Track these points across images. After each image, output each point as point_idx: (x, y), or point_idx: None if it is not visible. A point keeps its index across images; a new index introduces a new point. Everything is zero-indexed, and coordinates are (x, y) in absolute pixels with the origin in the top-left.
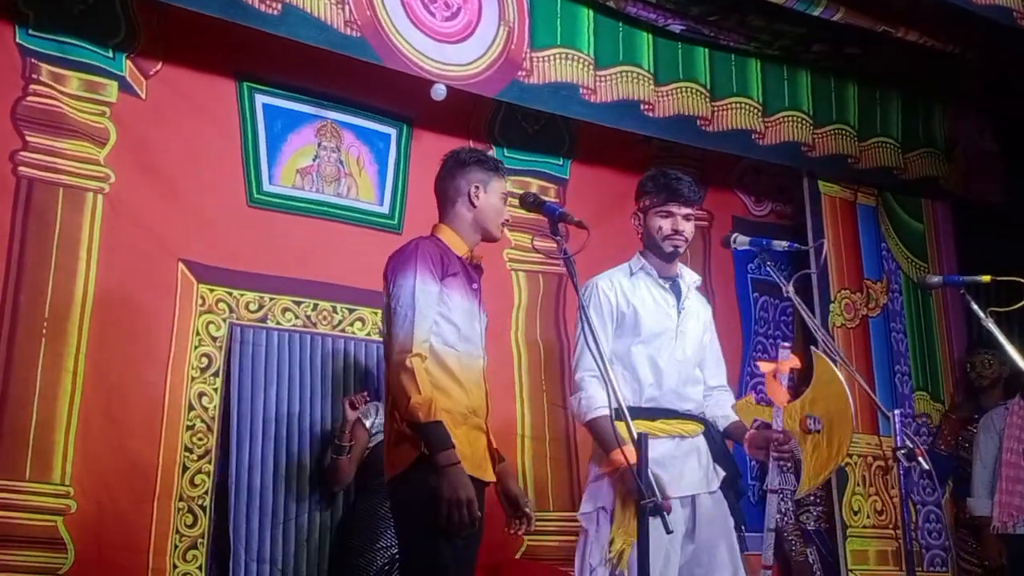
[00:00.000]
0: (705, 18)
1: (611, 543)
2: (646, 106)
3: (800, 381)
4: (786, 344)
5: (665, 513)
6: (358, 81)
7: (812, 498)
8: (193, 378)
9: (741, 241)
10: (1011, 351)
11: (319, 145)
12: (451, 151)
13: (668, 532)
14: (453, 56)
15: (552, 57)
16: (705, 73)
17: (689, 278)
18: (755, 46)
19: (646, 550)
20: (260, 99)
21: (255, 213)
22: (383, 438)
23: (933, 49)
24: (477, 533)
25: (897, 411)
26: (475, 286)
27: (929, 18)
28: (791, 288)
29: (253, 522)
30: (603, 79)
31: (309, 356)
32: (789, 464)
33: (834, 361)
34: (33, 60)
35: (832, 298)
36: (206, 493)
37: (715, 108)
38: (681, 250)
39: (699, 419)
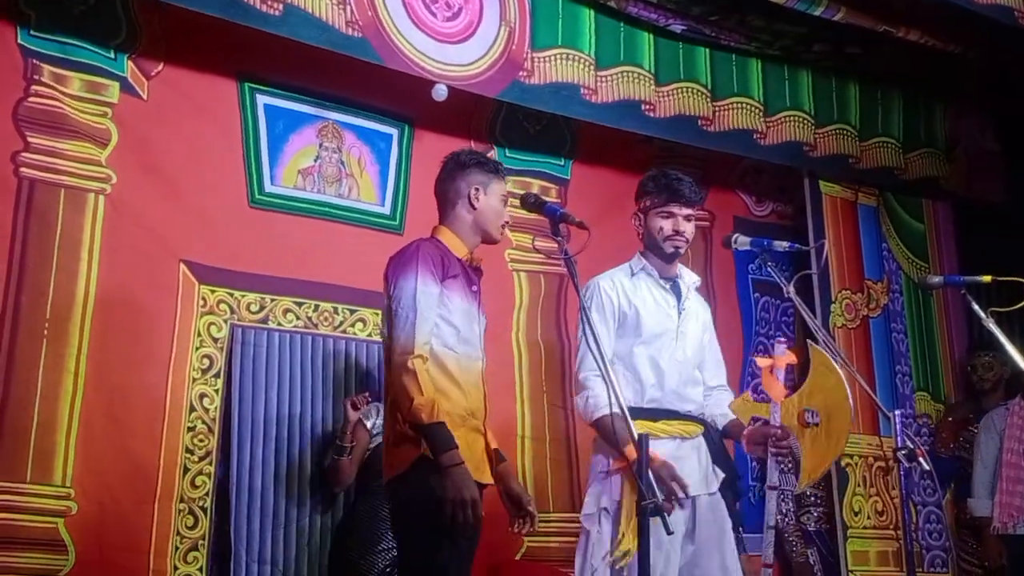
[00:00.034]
0: (706, 18)
1: (619, 540)
2: (647, 106)
3: (799, 379)
4: (782, 340)
5: (666, 514)
6: (359, 81)
7: (813, 499)
8: (194, 379)
9: (742, 241)
10: (1012, 351)
11: (320, 146)
12: (451, 153)
13: (669, 533)
14: (454, 56)
15: (553, 57)
16: (706, 73)
17: (689, 279)
18: (756, 46)
19: (647, 551)
20: (261, 99)
21: (256, 214)
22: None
23: (934, 49)
24: (475, 534)
25: (898, 411)
26: (475, 288)
27: (930, 18)
28: (792, 288)
29: (254, 523)
30: (604, 79)
31: (310, 357)
32: (788, 460)
33: (835, 360)
34: (35, 61)
35: (833, 298)
36: (207, 494)
37: (716, 108)
38: (682, 251)
39: (699, 420)
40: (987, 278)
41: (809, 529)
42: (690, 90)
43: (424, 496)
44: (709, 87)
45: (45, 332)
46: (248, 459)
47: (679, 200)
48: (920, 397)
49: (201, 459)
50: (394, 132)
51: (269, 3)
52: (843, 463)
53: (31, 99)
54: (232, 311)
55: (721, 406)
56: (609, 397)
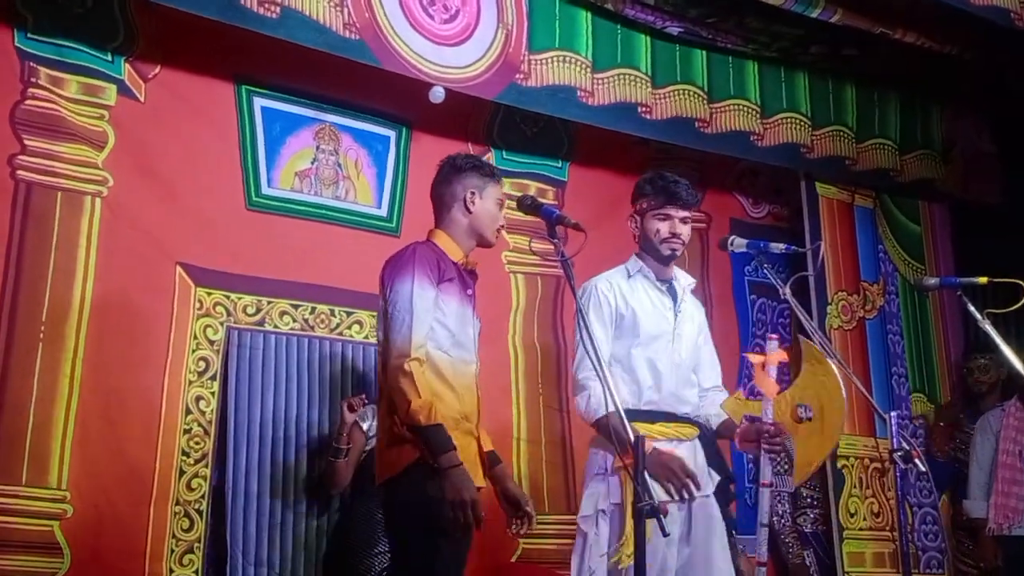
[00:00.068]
0: (703, 20)
1: (623, 542)
2: (644, 108)
3: (793, 378)
4: (774, 336)
5: (662, 515)
6: (357, 84)
7: (809, 500)
8: (190, 382)
9: (738, 243)
10: (1008, 353)
11: (317, 148)
12: (447, 157)
13: (665, 535)
14: (452, 59)
15: (550, 60)
16: (703, 75)
17: (684, 280)
18: (753, 48)
19: (642, 552)
20: (258, 102)
21: (253, 216)
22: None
23: (931, 50)
24: (470, 536)
25: (894, 413)
26: (469, 292)
27: (927, 19)
28: (788, 290)
29: (250, 526)
30: (601, 81)
31: (307, 359)
32: (782, 456)
33: (830, 361)
34: (31, 64)
35: (829, 300)
36: (203, 497)
37: (713, 110)
38: (678, 253)
39: (695, 422)
40: (983, 280)
41: (805, 530)
42: (687, 92)
43: (419, 499)
44: (706, 89)
45: (41, 335)
46: (244, 462)
47: (676, 202)
48: (916, 399)
49: (197, 462)
50: (391, 134)
51: (266, 5)
52: (839, 464)
53: (28, 102)
54: (228, 313)
55: (715, 406)
56: (605, 398)
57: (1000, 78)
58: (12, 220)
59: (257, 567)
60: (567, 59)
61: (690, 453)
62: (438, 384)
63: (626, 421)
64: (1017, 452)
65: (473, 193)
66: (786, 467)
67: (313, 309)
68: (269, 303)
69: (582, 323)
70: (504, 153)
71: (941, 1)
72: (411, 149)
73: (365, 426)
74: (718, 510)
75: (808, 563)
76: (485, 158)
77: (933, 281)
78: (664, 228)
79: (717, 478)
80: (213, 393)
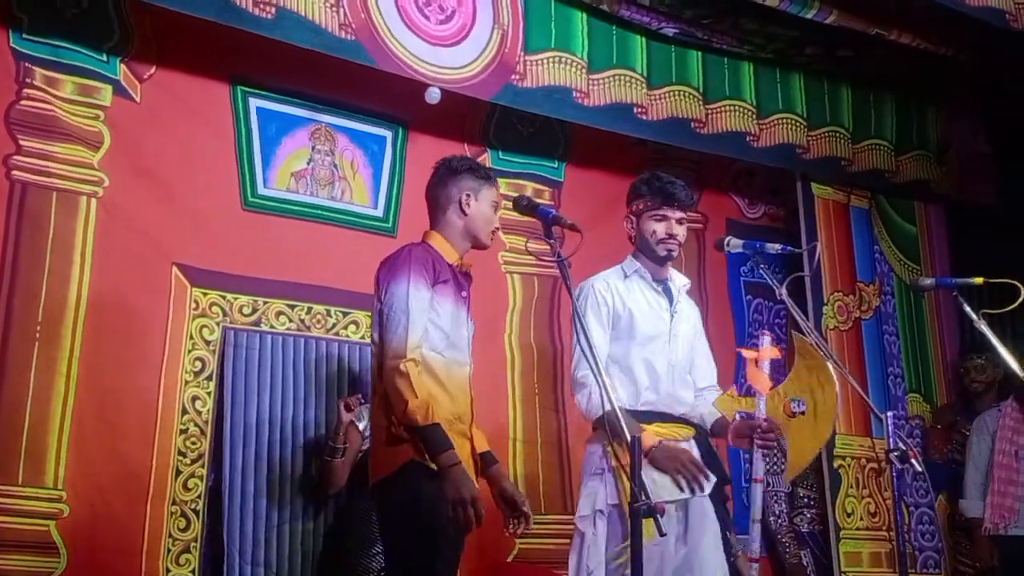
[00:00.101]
0: (698, 21)
1: (627, 540)
2: (640, 109)
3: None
4: (767, 332)
5: (659, 515)
6: (353, 84)
7: (806, 500)
8: (186, 382)
9: (734, 244)
10: (1004, 353)
11: (313, 148)
12: (443, 159)
13: (662, 534)
14: (447, 59)
15: (545, 61)
16: (698, 76)
17: (679, 281)
18: (748, 49)
19: (639, 552)
20: (254, 102)
21: (249, 216)
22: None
23: (926, 51)
24: (462, 537)
25: (890, 413)
26: (464, 294)
27: (922, 20)
28: (784, 291)
29: (247, 526)
30: (596, 82)
31: (303, 359)
32: (775, 451)
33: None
34: (27, 64)
35: (825, 300)
36: (199, 497)
37: (709, 111)
38: (675, 254)
39: (691, 423)
40: (979, 280)
41: (802, 530)
42: (682, 93)
43: (413, 498)
44: (701, 90)
45: (37, 335)
46: (240, 461)
47: (672, 203)
48: (912, 399)
49: (193, 461)
50: (388, 135)
51: (261, 6)
52: (836, 464)
53: (23, 102)
54: (224, 314)
55: (709, 405)
56: (602, 398)
57: (995, 79)
58: (7, 220)
59: (254, 567)
60: (563, 60)
61: None
62: (432, 385)
63: (623, 422)
64: (1013, 452)
65: (468, 195)
66: (780, 464)
67: (309, 309)
68: (265, 303)
69: (578, 323)
70: (500, 153)
71: (936, 2)
72: (407, 149)
73: (361, 426)
74: (713, 510)
75: (805, 563)
76: (481, 158)
77: (929, 282)
78: (660, 229)
79: (714, 479)
80: (209, 393)
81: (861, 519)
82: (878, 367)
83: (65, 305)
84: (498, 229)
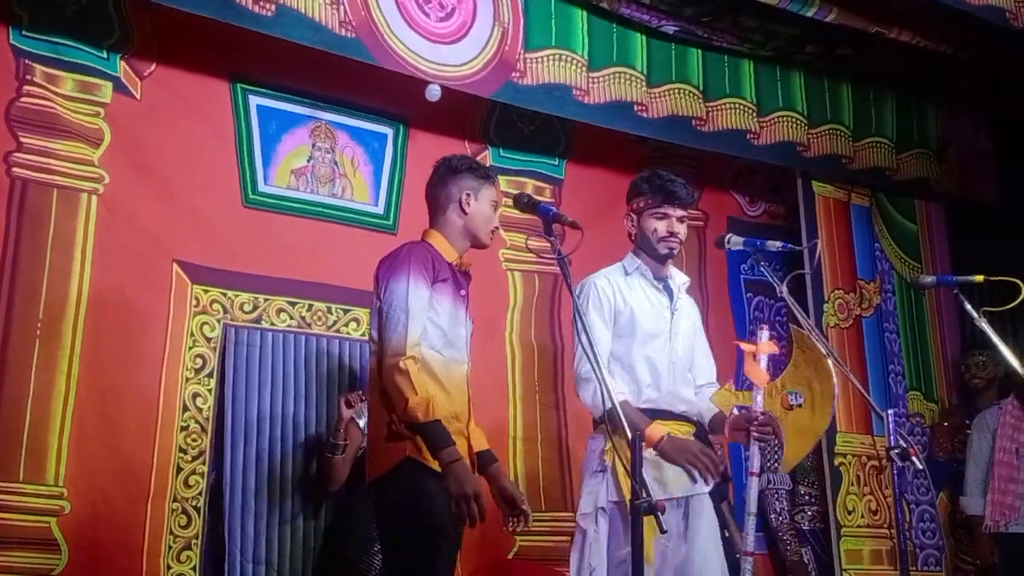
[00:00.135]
0: (698, 19)
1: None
2: (640, 107)
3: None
4: (765, 326)
5: (659, 512)
6: (353, 81)
7: (807, 498)
8: (187, 379)
9: (735, 242)
10: (1004, 351)
11: (313, 146)
12: (443, 158)
13: (662, 532)
14: (448, 57)
15: (546, 58)
16: (698, 74)
17: (679, 279)
18: (748, 47)
19: (639, 550)
20: (254, 100)
21: (250, 214)
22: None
23: (926, 49)
24: (459, 534)
25: (891, 411)
26: (463, 292)
27: (922, 18)
28: (785, 288)
29: (248, 523)
30: (596, 80)
31: (304, 357)
32: (774, 442)
33: (827, 359)
34: (27, 61)
35: (826, 298)
36: (200, 494)
37: (709, 108)
38: (675, 252)
39: (692, 421)
40: (979, 278)
41: (803, 528)
42: (682, 91)
43: (410, 495)
44: (701, 88)
45: (38, 332)
46: (242, 459)
47: (673, 201)
48: (913, 396)
49: (194, 459)
50: (389, 132)
51: (261, 4)
52: (837, 462)
53: (23, 99)
54: (225, 311)
55: (707, 400)
56: (603, 395)
57: (996, 77)
58: (8, 218)
59: (255, 564)
60: (563, 57)
61: None
62: (430, 383)
63: (624, 420)
64: (1014, 450)
65: (468, 195)
66: (779, 458)
67: (310, 306)
68: (266, 300)
69: (579, 320)
70: (501, 151)
71: (936, 0)
72: (408, 147)
73: (362, 423)
74: (713, 508)
75: (806, 561)
76: (482, 156)
77: (930, 279)
78: (662, 227)
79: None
80: (210, 390)
81: (862, 517)
82: (879, 365)
83: (66, 302)
84: (497, 228)
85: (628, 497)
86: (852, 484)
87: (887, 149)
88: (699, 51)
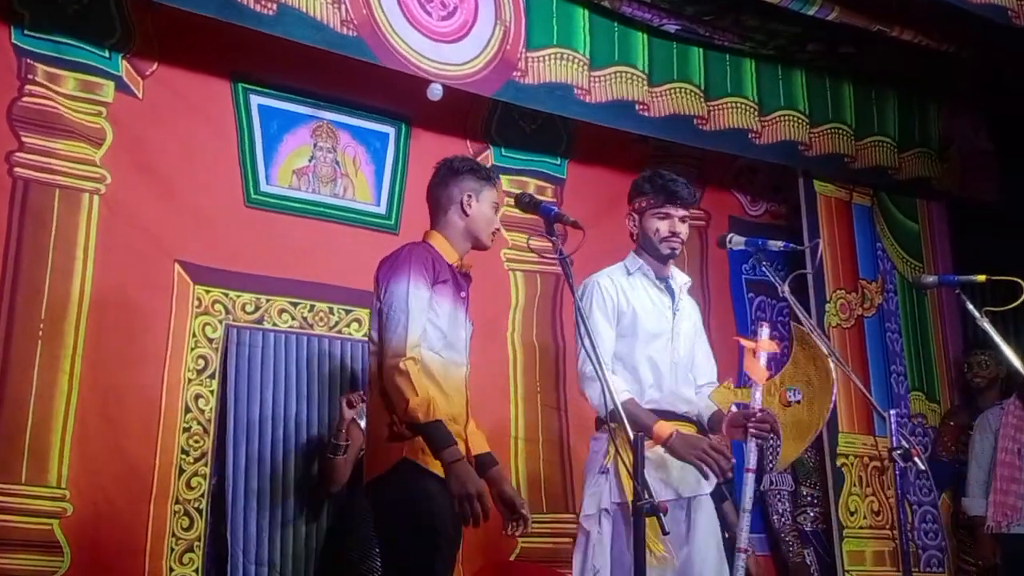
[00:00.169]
0: (700, 18)
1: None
2: (641, 106)
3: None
4: (765, 323)
5: (662, 514)
6: (355, 81)
7: (809, 499)
8: (189, 380)
9: (737, 241)
10: (1007, 351)
11: (315, 146)
12: (444, 159)
13: (665, 533)
14: (449, 55)
15: (547, 57)
16: (700, 73)
17: (680, 279)
18: (750, 46)
19: (642, 551)
20: (255, 100)
21: (252, 213)
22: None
23: (928, 48)
24: (458, 534)
25: (893, 411)
26: (463, 294)
27: (924, 17)
28: (787, 288)
29: (251, 525)
30: (598, 79)
31: (306, 357)
32: (772, 439)
33: (829, 359)
34: (28, 60)
35: (828, 298)
36: (202, 495)
37: (710, 108)
38: (677, 252)
39: (694, 421)
40: (981, 277)
41: (805, 529)
42: (684, 90)
43: (406, 497)
44: (703, 87)
45: (40, 332)
46: (244, 460)
47: (676, 201)
48: (915, 397)
49: (196, 460)
50: (391, 131)
51: (263, 3)
52: (839, 463)
53: (25, 99)
54: (227, 311)
55: (706, 399)
56: (604, 396)
57: (997, 76)
58: (10, 217)
59: (258, 565)
60: (564, 56)
61: None
62: (428, 385)
63: (626, 420)
64: (1016, 450)
65: (470, 196)
66: (774, 457)
67: (312, 307)
68: (268, 301)
69: (581, 320)
70: (503, 150)
71: None
72: (410, 146)
73: (363, 423)
74: (714, 509)
75: (808, 562)
76: (484, 155)
77: (932, 279)
78: (664, 227)
79: (715, 479)
80: (212, 391)
81: (864, 518)
82: (881, 365)
83: (68, 302)
84: (498, 230)
85: (631, 498)
86: (854, 485)
87: (889, 148)
88: (700, 50)
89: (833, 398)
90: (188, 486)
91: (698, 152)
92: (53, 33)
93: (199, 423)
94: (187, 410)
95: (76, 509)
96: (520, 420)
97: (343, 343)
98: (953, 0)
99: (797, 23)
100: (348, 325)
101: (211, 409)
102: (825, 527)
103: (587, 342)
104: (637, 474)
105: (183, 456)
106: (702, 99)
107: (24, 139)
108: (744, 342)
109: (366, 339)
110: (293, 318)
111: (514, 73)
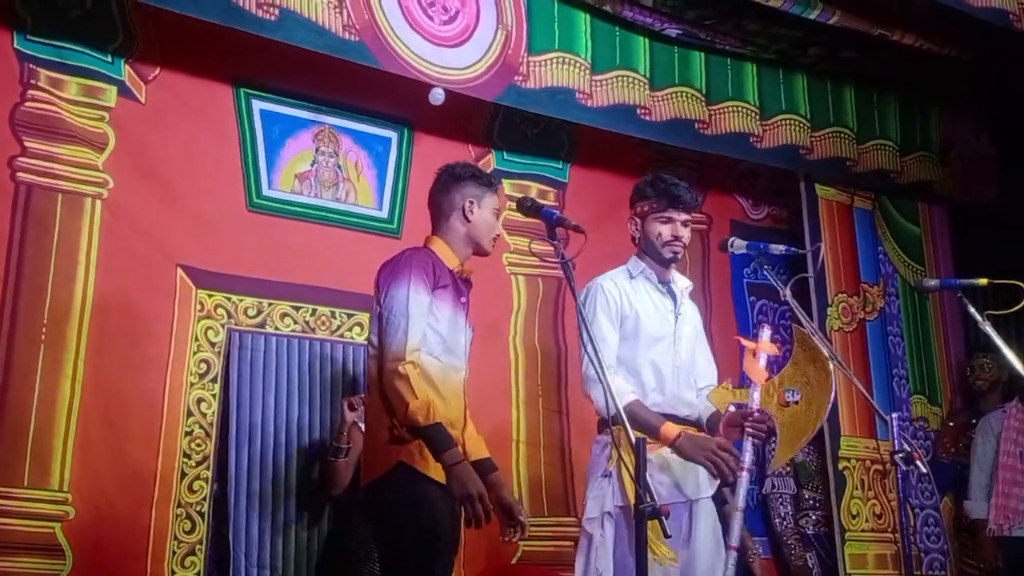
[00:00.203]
0: (701, 22)
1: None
2: (643, 110)
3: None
4: (767, 325)
5: (664, 517)
6: (357, 85)
7: (811, 502)
8: (192, 384)
9: (738, 245)
10: (1008, 354)
11: (317, 150)
12: (446, 165)
13: (667, 536)
14: (451, 60)
15: (549, 62)
16: (701, 77)
17: (682, 283)
18: (751, 50)
19: (643, 554)
20: (257, 105)
21: (254, 218)
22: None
23: (929, 52)
24: (456, 538)
25: (895, 415)
26: (463, 300)
27: (925, 21)
28: (788, 292)
29: (253, 528)
30: (599, 83)
31: (308, 361)
32: (768, 436)
33: (831, 362)
34: (31, 65)
35: (829, 302)
36: (204, 499)
37: (712, 112)
38: (680, 256)
39: (696, 424)
40: (983, 281)
41: (807, 532)
42: (685, 94)
43: (405, 500)
44: (704, 91)
45: (43, 337)
46: (246, 463)
47: (678, 205)
48: (917, 400)
49: (198, 464)
50: (393, 135)
51: (265, 8)
52: (841, 466)
53: (28, 103)
54: (229, 315)
55: (705, 401)
56: (606, 399)
57: (998, 80)
58: (12, 222)
59: (260, 568)
60: (566, 61)
61: None
62: (427, 389)
63: (627, 424)
64: (1018, 453)
65: (472, 202)
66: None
67: (314, 311)
68: (270, 305)
69: (583, 324)
70: (505, 154)
71: (939, 3)
72: (412, 150)
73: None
74: (716, 513)
75: (810, 565)
76: (486, 159)
77: (933, 282)
78: (666, 231)
79: (717, 481)
80: (214, 395)
81: (866, 521)
82: (883, 368)
83: (70, 307)
84: (499, 236)
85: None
86: (856, 488)
87: (891, 152)
88: (702, 54)
89: (831, 399)
90: (190, 489)
91: (700, 156)
92: (56, 38)
93: (201, 427)
94: (189, 414)
95: (78, 512)
96: (521, 424)
97: (345, 347)
98: (954, 4)
99: (798, 27)
100: (350, 329)
101: (213, 413)
102: (827, 530)
103: (589, 348)
104: (639, 477)
105: (185, 460)
106: (703, 103)
107: (27, 144)
108: (745, 342)
109: (368, 343)
110: (295, 322)
111: (516, 77)
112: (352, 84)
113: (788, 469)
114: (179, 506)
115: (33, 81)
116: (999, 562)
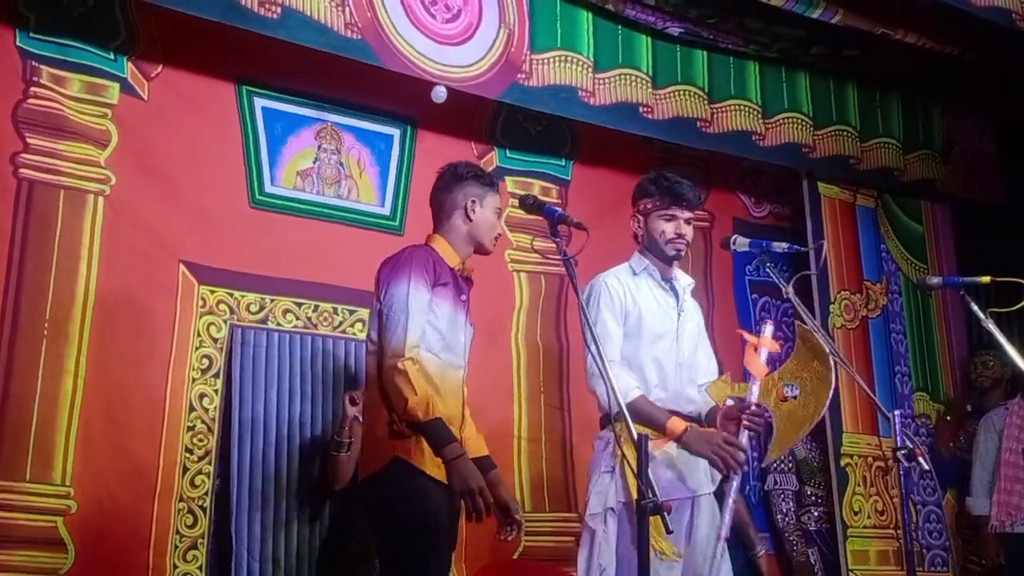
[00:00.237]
0: (703, 21)
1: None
2: (645, 108)
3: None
4: (769, 320)
5: (666, 513)
6: (359, 83)
7: (813, 498)
8: (194, 379)
9: (741, 243)
10: (1011, 352)
11: (319, 148)
12: (448, 164)
13: (668, 532)
14: (454, 58)
15: (551, 59)
16: (703, 76)
17: (684, 280)
18: (754, 48)
19: (646, 550)
20: (259, 102)
21: (256, 214)
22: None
23: (932, 51)
24: (454, 533)
25: (897, 412)
26: (464, 298)
27: (928, 20)
28: (791, 289)
29: (255, 523)
30: (602, 82)
31: (310, 357)
32: (763, 429)
33: (833, 359)
34: (34, 63)
35: (832, 299)
36: (206, 494)
37: (714, 110)
38: (683, 253)
39: (698, 421)
40: (986, 279)
41: (810, 529)
42: (687, 93)
43: (402, 496)
44: (706, 89)
45: (45, 332)
46: (248, 458)
47: (681, 203)
48: (919, 397)
49: (200, 459)
50: (395, 133)
51: (267, 6)
52: (843, 463)
53: (30, 100)
54: (232, 311)
55: (705, 396)
56: (608, 396)
57: (1001, 78)
58: (15, 219)
59: (262, 563)
60: (569, 59)
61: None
62: (426, 385)
63: (630, 421)
64: (1020, 450)
65: (474, 202)
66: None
67: (316, 307)
68: (272, 301)
69: (586, 320)
70: (508, 152)
71: (942, 2)
72: (415, 148)
73: None
74: (718, 508)
75: (812, 561)
76: (488, 157)
77: (936, 280)
78: (669, 229)
79: (719, 477)
80: (216, 390)
81: (868, 517)
82: (885, 366)
83: (72, 303)
84: (500, 235)
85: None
86: (858, 485)
87: (894, 150)
88: (704, 53)
89: (831, 394)
90: (192, 484)
91: (702, 154)
92: (58, 35)
93: (203, 422)
94: (191, 409)
95: (80, 507)
96: (523, 420)
97: (347, 343)
98: (957, 3)
99: (801, 26)
100: (352, 325)
101: (215, 408)
102: (829, 526)
103: (593, 347)
104: (641, 473)
105: (187, 455)
106: (706, 101)
107: (29, 140)
108: (746, 336)
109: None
110: (297, 318)
111: (518, 75)
112: (355, 82)
113: (790, 465)
114: (181, 500)
115: (36, 78)
116: (1001, 558)
